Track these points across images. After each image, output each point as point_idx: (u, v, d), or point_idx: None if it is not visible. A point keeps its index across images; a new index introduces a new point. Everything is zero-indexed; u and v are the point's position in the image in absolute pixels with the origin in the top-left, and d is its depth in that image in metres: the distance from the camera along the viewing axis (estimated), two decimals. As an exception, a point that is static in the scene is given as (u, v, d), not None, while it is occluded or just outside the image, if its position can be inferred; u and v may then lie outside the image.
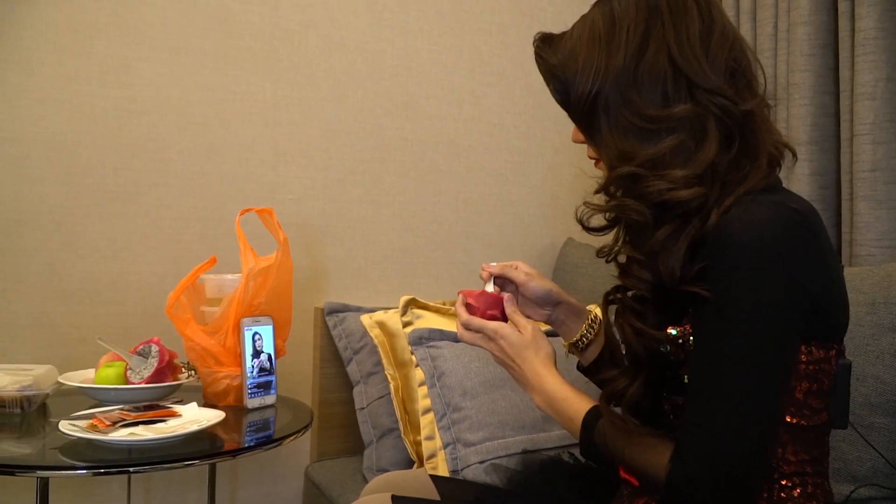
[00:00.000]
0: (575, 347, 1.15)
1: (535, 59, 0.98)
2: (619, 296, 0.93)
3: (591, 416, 0.93)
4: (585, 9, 0.98)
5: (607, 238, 0.96)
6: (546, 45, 0.97)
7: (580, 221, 0.96)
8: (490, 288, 1.11)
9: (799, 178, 1.70)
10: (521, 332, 1.03)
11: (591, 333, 1.14)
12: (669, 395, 0.91)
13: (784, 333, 0.81)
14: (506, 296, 1.08)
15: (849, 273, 1.34)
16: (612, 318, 0.96)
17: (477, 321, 1.05)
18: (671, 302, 0.86)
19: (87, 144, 1.66)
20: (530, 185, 2.15)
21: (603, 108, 0.90)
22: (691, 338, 0.86)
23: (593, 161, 1.00)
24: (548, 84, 0.97)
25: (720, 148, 0.86)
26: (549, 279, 1.15)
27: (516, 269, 1.13)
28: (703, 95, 0.86)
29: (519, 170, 2.13)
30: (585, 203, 0.95)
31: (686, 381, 0.86)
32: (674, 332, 0.87)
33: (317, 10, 1.88)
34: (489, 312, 1.06)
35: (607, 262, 0.95)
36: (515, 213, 2.13)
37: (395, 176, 1.97)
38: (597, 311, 1.15)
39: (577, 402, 0.96)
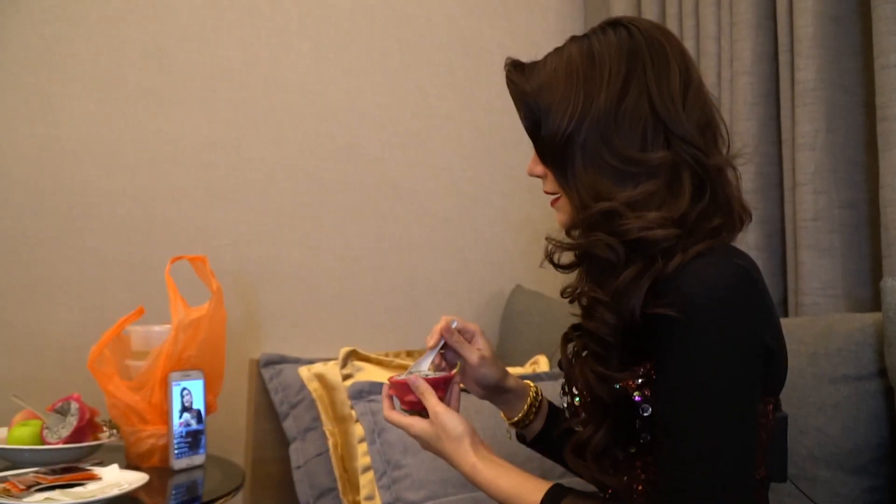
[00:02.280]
0: (517, 426, 1.12)
1: (507, 84, 0.97)
2: (577, 339, 0.92)
3: (551, 501, 0.87)
4: (535, 53, 0.97)
5: (569, 278, 0.95)
6: (518, 71, 0.96)
7: (549, 257, 0.95)
8: (426, 363, 1.03)
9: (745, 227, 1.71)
10: (430, 422, 0.95)
11: (533, 412, 1.11)
12: (639, 440, 0.88)
13: (748, 388, 0.81)
14: (409, 379, 0.98)
15: (790, 324, 1.33)
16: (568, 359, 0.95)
17: (394, 418, 0.99)
18: (633, 343, 0.85)
19: (5, 185, 1.57)
20: (478, 230, 2.11)
21: (579, 146, 0.89)
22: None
23: (550, 197, 0.98)
24: (519, 110, 0.96)
25: (692, 198, 0.87)
26: (500, 363, 1.09)
27: (472, 340, 1.06)
28: (679, 144, 0.88)
29: (466, 214, 2.09)
30: (549, 239, 0.94)
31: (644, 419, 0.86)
32: (639, 380, 0.85)
33: (258, 48, 1.83)
34: (407, 399, 0.99)
35: (570, 302, 0.94)
36: (462, 259, 2.08)
37: (336, 220, 1.91)
38: (537, 388, 1.13)
39: (524, 494, 0.89)
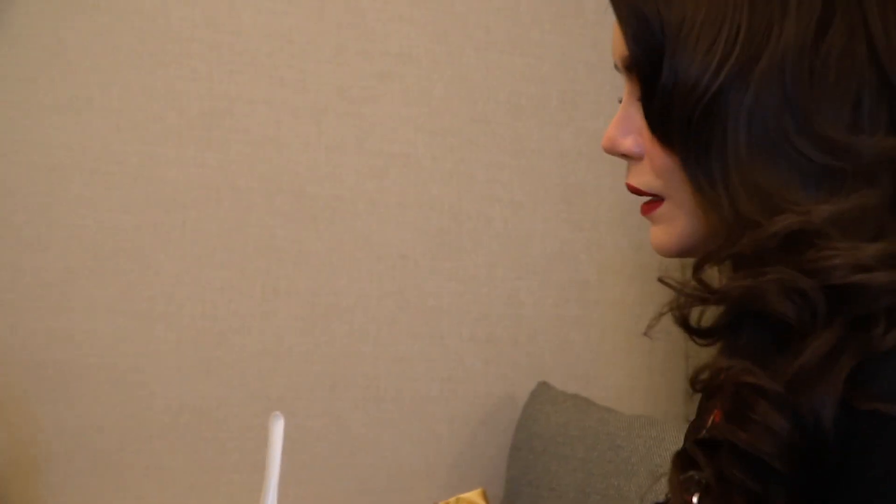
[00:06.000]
0: None
1: None
2: (707, 466, 0.54)
3: None
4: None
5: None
6: None
7: (680, 316, 0.58)
8: None
9: None
10: None
11: None
12: None
13: None
14: None
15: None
16: None
17: None
18: (808, 476, 0.51)
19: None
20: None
21: (742, 110, 0.55)
22: None
23: (644, 200, 0.62)
24: (625, 30, 0.59)
25: None
26: None
27: None
28: None
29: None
30: (669, 281, 0.58)
31: None
32: None
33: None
34: None
35: (704, 395, 0.61)
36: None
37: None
38: None
39: None
